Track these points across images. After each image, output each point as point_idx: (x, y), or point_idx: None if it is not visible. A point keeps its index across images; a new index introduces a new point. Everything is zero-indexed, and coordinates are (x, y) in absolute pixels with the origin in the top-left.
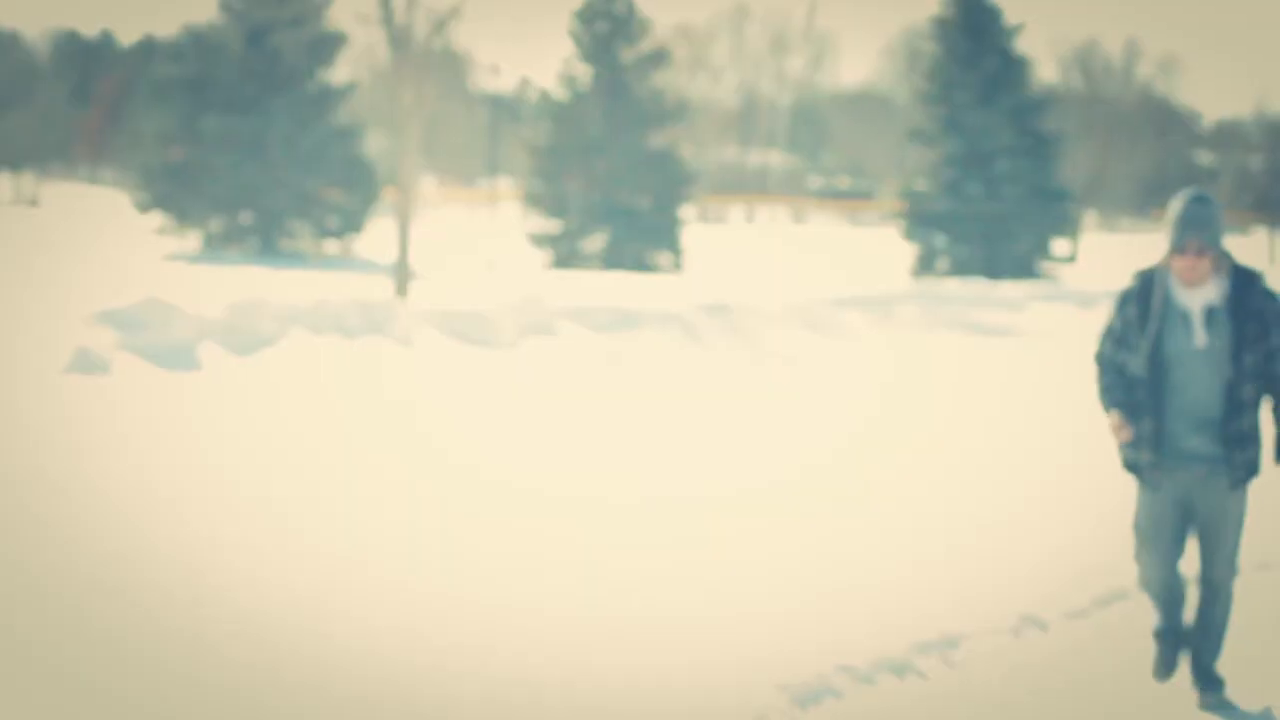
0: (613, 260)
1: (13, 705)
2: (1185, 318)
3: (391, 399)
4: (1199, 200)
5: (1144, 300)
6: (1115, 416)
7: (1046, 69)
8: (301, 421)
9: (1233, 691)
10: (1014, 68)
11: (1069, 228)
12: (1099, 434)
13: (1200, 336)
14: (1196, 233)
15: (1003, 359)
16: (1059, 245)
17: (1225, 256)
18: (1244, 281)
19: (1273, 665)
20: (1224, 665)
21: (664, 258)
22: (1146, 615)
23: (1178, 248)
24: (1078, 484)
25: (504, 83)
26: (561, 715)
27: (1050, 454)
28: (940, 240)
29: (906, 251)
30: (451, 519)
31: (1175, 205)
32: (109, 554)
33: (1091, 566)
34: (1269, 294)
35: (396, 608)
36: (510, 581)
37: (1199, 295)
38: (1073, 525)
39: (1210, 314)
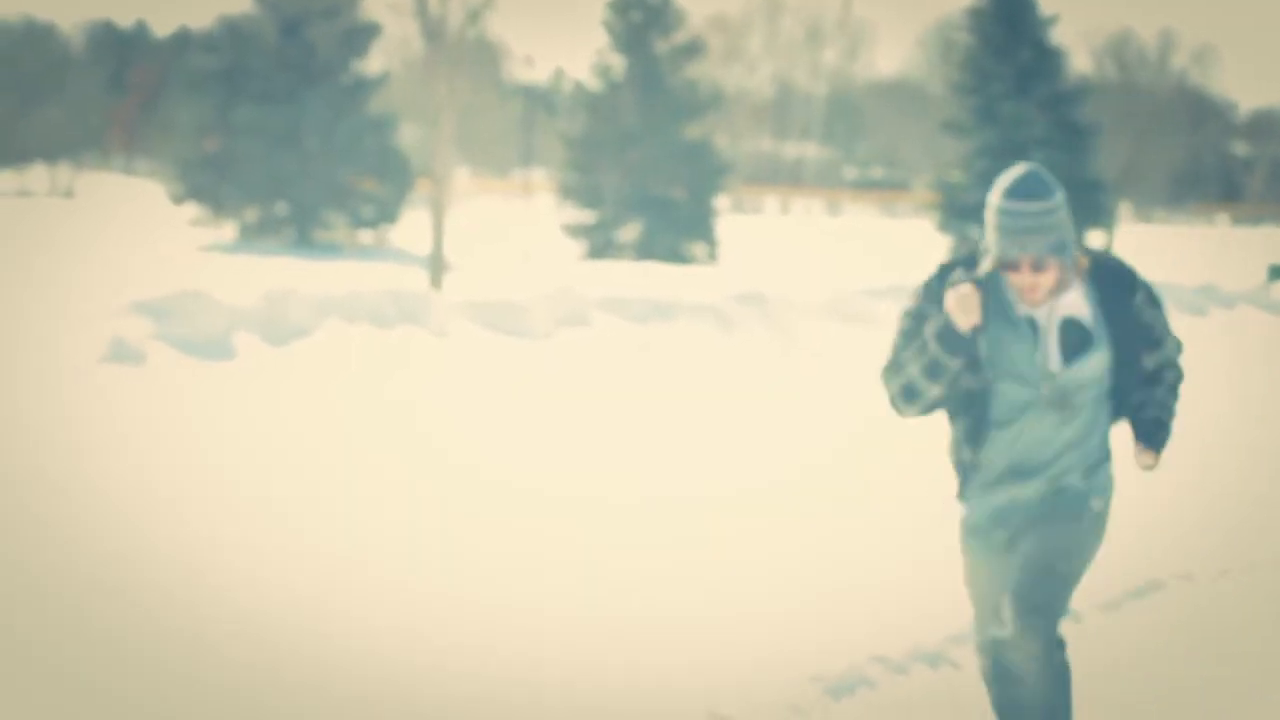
0: (647, 251)
1: (13, 705)
2: (1030, 329)
3: (421, 392)
4: (1030, 187)
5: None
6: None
7: (1081, 59)
8: (333, 414)
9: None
10: (1048, 58)
11: (1104, 219)
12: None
13: (1049, 359)
14: (1032, 240)
15: None
16: (1094, 236)
17: (1084, 254)
18: (1117, 283)
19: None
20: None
21: (698, 248)
22: (1180, 605)
23: (1006, 263)
24: None
25: (538, 74)
26: (562, 715)
27: None
28: (975, 231)
29: (941, 243)
30: (455, 518)
31: (996, 195)
32: (135, 547)
33: (1122, 558)
34: (1154, 301)
35: (397, 607)
36: (513, 581)
37: (1051, 304)
38: None
39: (1070, 328)
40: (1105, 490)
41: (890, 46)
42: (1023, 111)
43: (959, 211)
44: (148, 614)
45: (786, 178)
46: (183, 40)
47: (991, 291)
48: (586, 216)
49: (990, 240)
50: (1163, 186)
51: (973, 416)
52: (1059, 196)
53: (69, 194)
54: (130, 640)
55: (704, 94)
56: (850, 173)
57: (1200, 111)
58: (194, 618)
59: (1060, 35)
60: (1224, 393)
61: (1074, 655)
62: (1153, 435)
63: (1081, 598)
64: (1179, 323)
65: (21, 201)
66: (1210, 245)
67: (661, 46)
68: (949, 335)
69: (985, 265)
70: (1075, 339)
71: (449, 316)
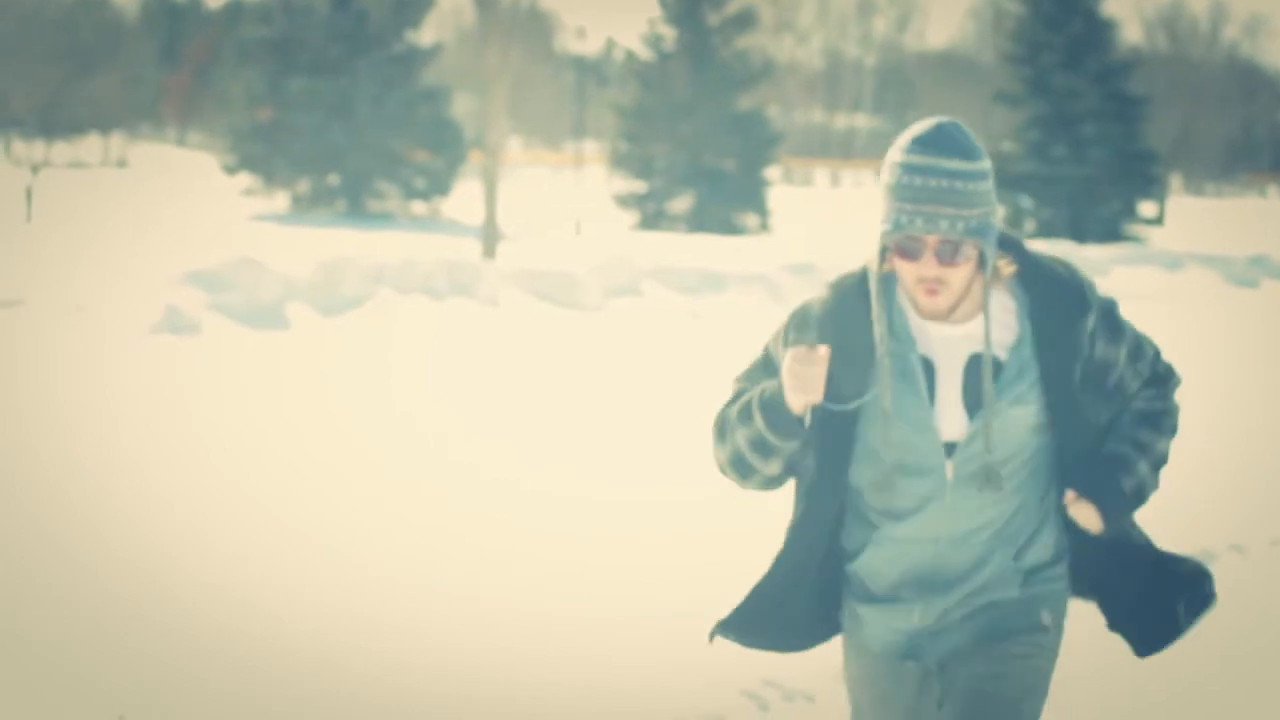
0: (699, 222)
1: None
2: (913, 375)
3: (472, 362)
4: (948, 140)
5: (840, 335)
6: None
7: (1132, 31)
8: (384, 383)
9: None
10: (1100, 29)
11: (1155, 190)
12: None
13: (954, 419)
14: (943, 213)
15: None
16: (1145, 208)
17: (1016, 251)
18: (1060, 302)
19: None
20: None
21: (750, 219)
22: (1232, 576)
23: (901, 248)
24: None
25: (590, 45)
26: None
27: None
28: (1026, 202)
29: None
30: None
31: (898, 148)
32: (189, 516)
33: (1174, 529)
34: (1116, 328)
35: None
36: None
37: (957, 334)
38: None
39: (975, 369)
40: (1058, 597)
41: (941, 17)
42: (1074, 83)
43: (1010, 183)
44: (205, 587)
45: (837, 149)
46: (235, 11)
47: (858, 327)
48: (638, 187)
49: (884, 213)
50: (1214, 158)
51: (827, 512)
52: (986, 163)
53: (122, 164)
54: (172, 611)
55: (755, 65)
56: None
57: (1251, 83)
58: (249, 587)
59: (1111, 6)
60: (1276, 363)
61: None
62: (1106, 482)
63: None
64: (1230, 296)
65: (76, 172)
66: (1262, 217)
67: (713, 17)
68: (775, 410)
69: (870, 259)
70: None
71: (501, 286)
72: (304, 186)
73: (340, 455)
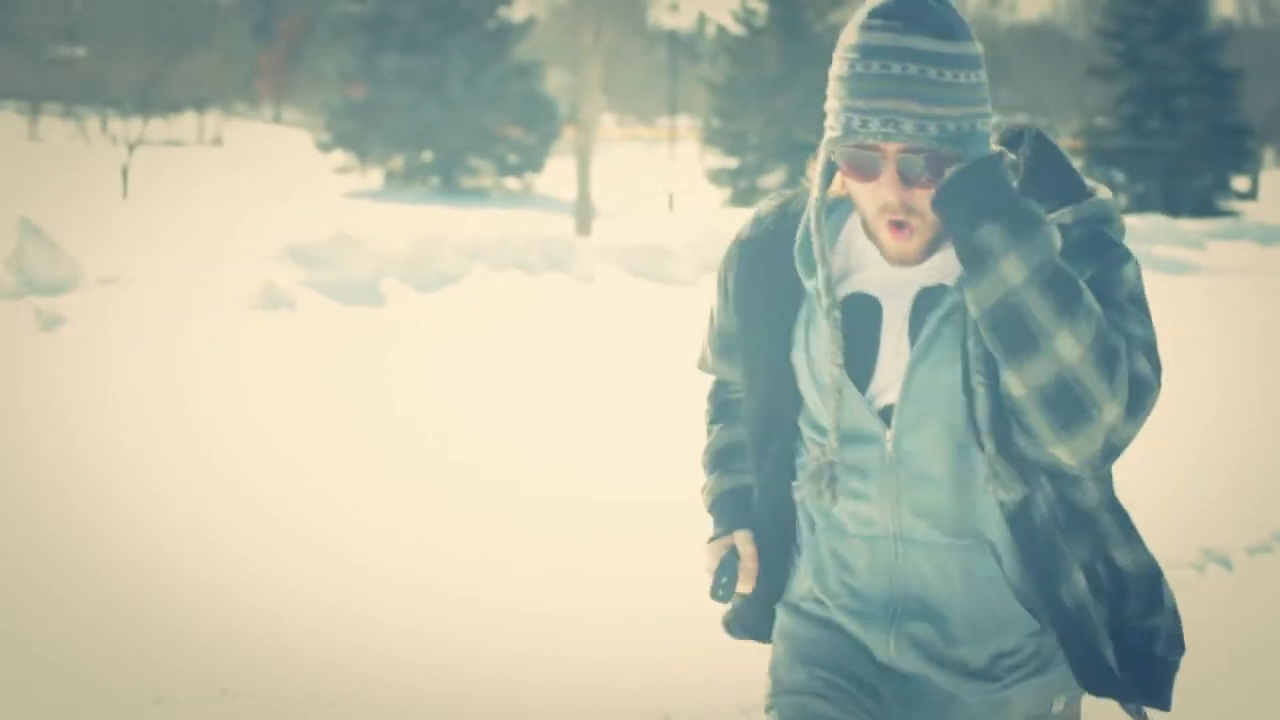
0: None
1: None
2: (872, 320)
3: (567, 337)
4: (909, 8)
5: (771, 275)
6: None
7: (1225, 3)
8: (481, 359)
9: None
10: (1192, 2)
11: (1249, 165)
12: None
13: (917, 371)
14: (906, 109)
15: (1188, 295)
16: (1239, 182)
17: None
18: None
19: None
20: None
21: None
22: None
23: (858, 165)
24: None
25: (682, 19)
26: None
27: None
28: (1119, 176)
29: None
30: (592, 460)
31: (849, 32)
32: (283, 485)
33: (1250, 509)
34: (1112, 249)
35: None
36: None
37: (921, 275)
38: (1224, 468)
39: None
40: (1068, 688)
41: None
42: (1167, 56)
43: (1105, 157)
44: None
45: None
46: None
47: (788, 270)
48: (730, 163)
49: (831, 115)
50: None
51: (780, 492)
52: (973, 45)
53: (218, 142)
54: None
55: None
56: (994, 118)
57: None
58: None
59: None
60: None
61: (1207, 599)
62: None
63: (1227, 538)
64: None
65: (172, 150)
66: None
67: None
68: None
69: (811, 180)
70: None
71: (595, 262)
72: (398, 163)
73: (440, 428)
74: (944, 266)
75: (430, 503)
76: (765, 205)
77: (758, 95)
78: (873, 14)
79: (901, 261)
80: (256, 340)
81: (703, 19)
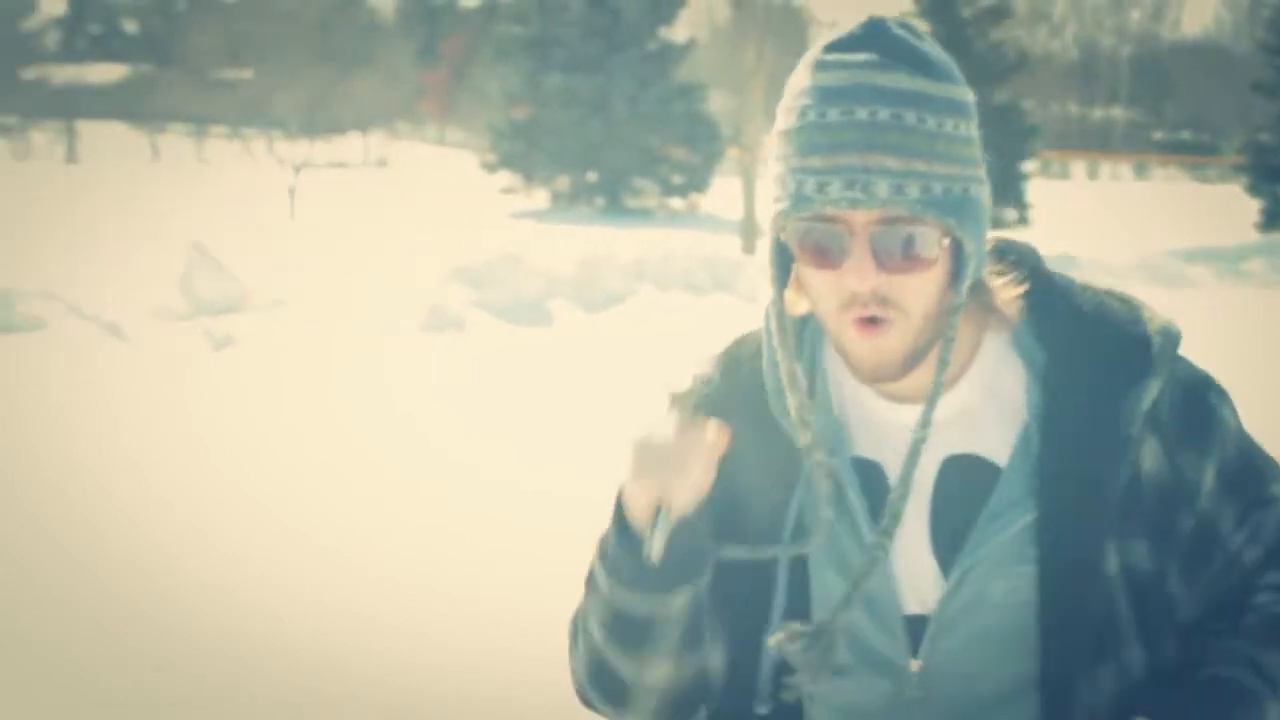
0: None
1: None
2: (845, 500)
3: None
4: (876, 40)
5: (746, 440)
6: None
7: None
8: (648, 380)
9: None
10: None
11: None
12: None
13: (920, 575)
14: (874, 165)
15: None
16: None
17: (1023, 265)
18: (1102, 366)
19: None
20: None
21: (1008, 212)
22: None
23: (817, 248)
24: None
25: None
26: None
27: None
28: None
29: (1250, 207)
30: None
31: (801, 73)
32: (468, 503)
33: None
34: (1202, 417)
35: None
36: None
37: (919, 420)
38: None
39: (955, 483)
40: None
41: (1196, 6)
42: None
43: (1270, 174)
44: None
45: (1094, 141)
46: (491, 9)
47: (764, 423)
48: None
49: (776, 185)
50: None
51: None
52: (962, 89)
53: (382, 163)
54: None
55: (1010, 57)
56: (1158, 136)
57: None
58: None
59: None
60: None
61: None
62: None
63: None
64: None
65: (337, 171)
66: None
67: (967, 9)
68: (614, 536)
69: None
70: (983, 523)
71: (760, 281)
72: (563, 184)
73: (608, 446)
74: (966, 413)
75: (568, 507)
76: (721, 355)
77: None
78: (830, 48)
79: (876, 379)
80: (424, 360)
81: None
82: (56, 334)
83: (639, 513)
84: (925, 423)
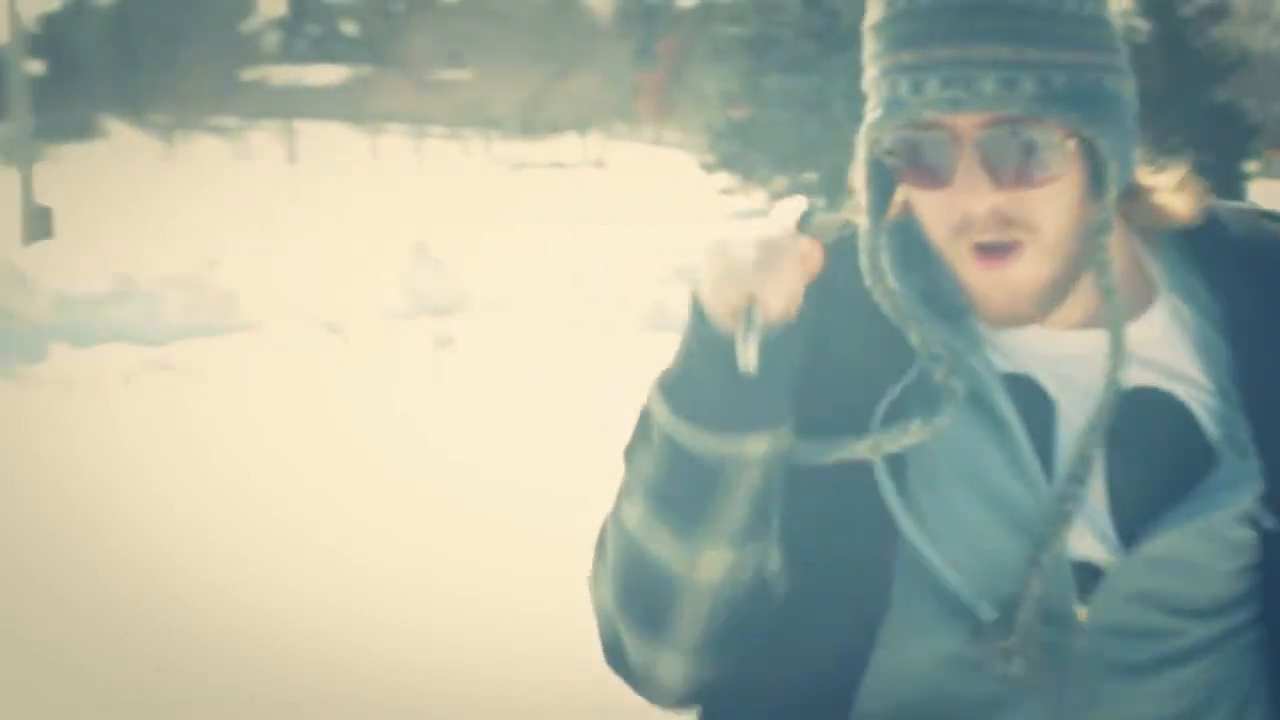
0: None
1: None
2: (1002, 419)
3: None
4: None
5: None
6: None
7: None
8: None
9: None
10: None
11: None
12: None
13: (1093, 519)
14: (981, 54)
15: None
16: None
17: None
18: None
19: None
20: None
21: None
22: None
23: (919, 164)
24: None
25: None
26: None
27: None
28: None
29: None
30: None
31: None
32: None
33: None
34: None
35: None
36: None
37: (1086, 346)
38: None
39: (1142, 422)
40: None
41: None
42: None
43: None
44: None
45: None
46: (707, 9)
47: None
48: None
49: (867, 88)
50: None
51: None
52: None
53: (600, 164)
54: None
55: (1231, 56)
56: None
57: None
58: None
59: None
60: None
61: None
62: None
63: None
64: None
65: (555, 171)
66: None
67: (1186, 8)
68: (699, 346)
69: (855, 200)
70: (1168, 460)
71: None
72: (781, 184)
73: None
74: (1144, 342)
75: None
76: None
77: (1141, 112)
78: None
79: (1011, 319)
80: (648, 360)
81: None
82: (275, 333)
83: (723, 315)
84: (1118, 351)
